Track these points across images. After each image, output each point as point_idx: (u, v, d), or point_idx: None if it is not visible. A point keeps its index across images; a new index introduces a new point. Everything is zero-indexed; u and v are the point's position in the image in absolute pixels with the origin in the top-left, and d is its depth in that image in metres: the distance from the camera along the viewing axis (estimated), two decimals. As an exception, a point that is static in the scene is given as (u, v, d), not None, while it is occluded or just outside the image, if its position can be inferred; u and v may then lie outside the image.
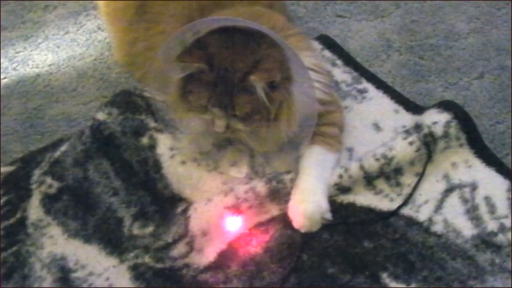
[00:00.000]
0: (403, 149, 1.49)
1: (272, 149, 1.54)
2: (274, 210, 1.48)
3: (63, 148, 1.59)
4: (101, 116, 1.61)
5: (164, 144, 1.58)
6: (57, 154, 1.58)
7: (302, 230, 1.44)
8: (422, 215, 1.45)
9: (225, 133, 1.46)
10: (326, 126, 1.54)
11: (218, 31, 1.41)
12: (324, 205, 1.45)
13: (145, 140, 1.58)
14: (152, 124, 1.60)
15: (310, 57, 1.52)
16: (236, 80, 1.38)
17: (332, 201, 1.47)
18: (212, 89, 1.40)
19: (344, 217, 1.46)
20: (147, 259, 1.41)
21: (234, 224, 1.45)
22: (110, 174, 1.55)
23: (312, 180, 1.47)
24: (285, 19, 1.58)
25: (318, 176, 1.48)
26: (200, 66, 1.39)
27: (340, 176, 1.48)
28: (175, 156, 1.56)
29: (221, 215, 1.44)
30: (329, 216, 1.44)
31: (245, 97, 1.39)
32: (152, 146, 1.58)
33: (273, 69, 1.38)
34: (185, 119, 1.55)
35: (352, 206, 1.48)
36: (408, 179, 1.51)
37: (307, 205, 1.44)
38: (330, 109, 1.55)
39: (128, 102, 1.63)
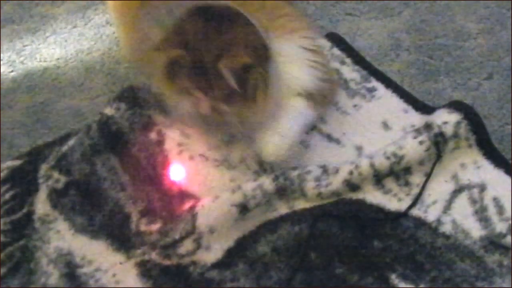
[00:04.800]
0: (413, 148, 1.49)
1: (257, 130, 1.53)
2: (282, 209, 1.48)
3: (71, 142, 1.58)
4: (109, 111, 1.60)
5: (172, 139, 1.58)
6: (64, 148, 1.58)
7: (269, 159, 1.47)
8: (431, 216, 1.45)
9: (212, 115, 1.45)
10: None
11: (196, 13, 1.40)
12: (293, 138, 1.48)
13: (153, 136, 1.59)
14: (160, 119, 1.60)
15: (303, 38, 1.50)
16: (209, 65, 1.37)
17: (341, 198, 1.47)
18: (191, 73, 1.39)
19: (354, 211, 1.46)
20: (154, 255, 1.41)
21: (178, 173, 1.52)
22: (118, 170, 1.55)
23: (287, 121, 1.48)
24: (283, 3, 1.56)
25: (295, 121, 1.49)
26: (177, 53, 1.38)
27: (350, 173, 1.47)
28: (183, 152, 1.56)
29: (229, 213, 1.44)
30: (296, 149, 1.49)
31: (220, 80, 1.37)
32: (160, 142, 1.58)
33: (242, 53, 1.36)
34: (174, 100, 1.55)
35: (361, 202, 1.48)
36: (417, 179, 1.50)
37: (277, 136, 1.46)
38: (325, 86, 1.54)
39: (136, 97, 1.63)
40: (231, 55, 1.35)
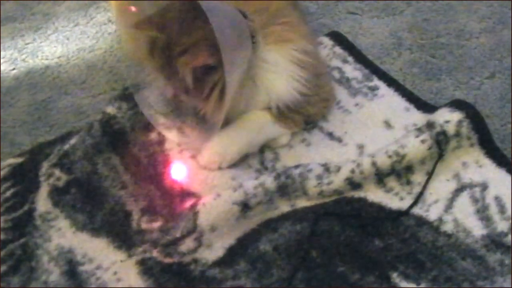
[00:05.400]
0: (415, 147, 1.48)
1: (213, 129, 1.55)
2: (283, 207, 1.47)
3: (72, 141, 1.59)
4: (110, 110, 1.61)
5: (172, 139, 1.58)
6: (66, 147, 1.58)
7: (201, 163, 1.52)
8: (432, 215, 1.44)
9: (175, 99, 1.51)
10: (294, 113, 1.55)
11: (182, 1, 1.42)
12: (230, 157, 1.52)
13: (154, 135, 1.59)
14: (161, 119, 1.60)
15: (294, 51, 1.50)
16: (175, 56, 1.39)
17: (342, 196, 1.47)
18: (162, 56, 1.41)
19: (356, 210, 1.45)
20: (155, 253, 1.40)
21: (180, 172, 1.52)
22: (119, 169, 1.55)
23: (238, 132, 1.53)
24: (288, 7, 1.57)
25: (247, 134, 1.53)
26: (155, 34, 1.40)
27: (352, 171, 1.47)
28: (184, 151, 1.56)
29: (230, 211, 1.43)
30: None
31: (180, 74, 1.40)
32: (161, 142, 1.58)
33: (206, 53, 1.36)
34: (152, 74, 1.57)
35: (363, 200, 1.47)
36: (419, 178, 1.50)
37: (217, 144, 1.51)
38: (307, 102, 1.56)
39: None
40: (195, 53, 1.36)
